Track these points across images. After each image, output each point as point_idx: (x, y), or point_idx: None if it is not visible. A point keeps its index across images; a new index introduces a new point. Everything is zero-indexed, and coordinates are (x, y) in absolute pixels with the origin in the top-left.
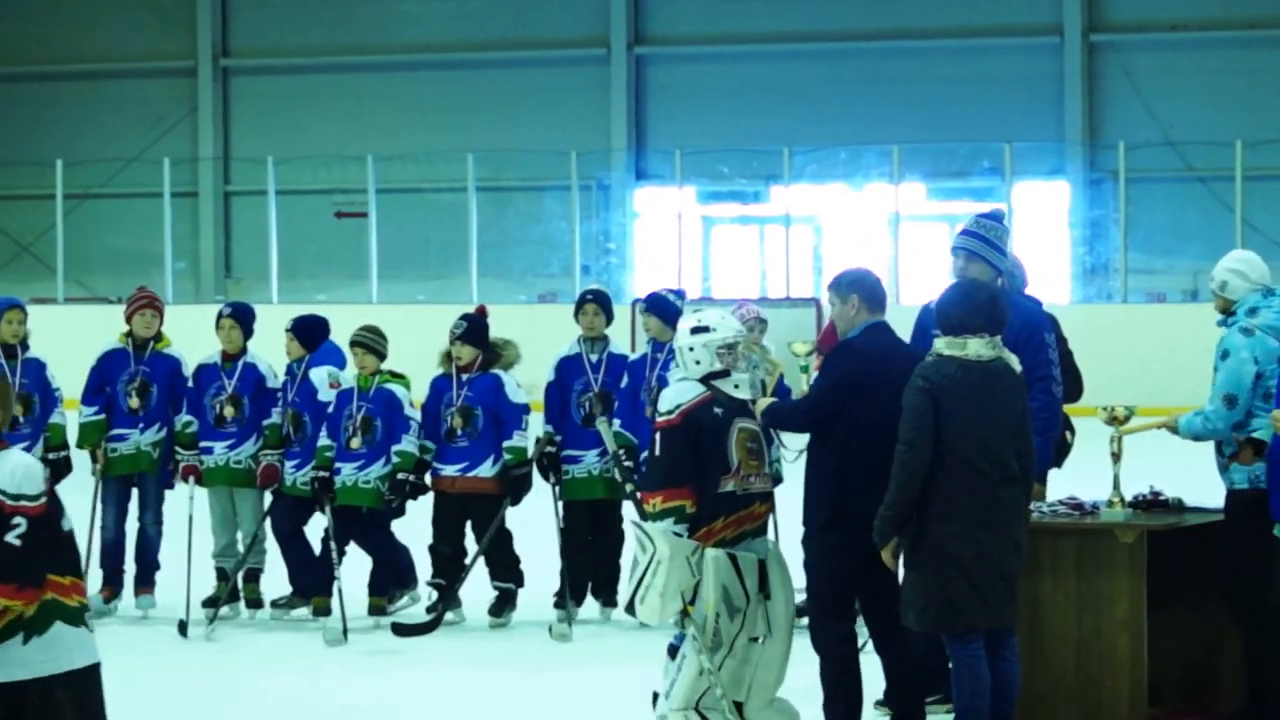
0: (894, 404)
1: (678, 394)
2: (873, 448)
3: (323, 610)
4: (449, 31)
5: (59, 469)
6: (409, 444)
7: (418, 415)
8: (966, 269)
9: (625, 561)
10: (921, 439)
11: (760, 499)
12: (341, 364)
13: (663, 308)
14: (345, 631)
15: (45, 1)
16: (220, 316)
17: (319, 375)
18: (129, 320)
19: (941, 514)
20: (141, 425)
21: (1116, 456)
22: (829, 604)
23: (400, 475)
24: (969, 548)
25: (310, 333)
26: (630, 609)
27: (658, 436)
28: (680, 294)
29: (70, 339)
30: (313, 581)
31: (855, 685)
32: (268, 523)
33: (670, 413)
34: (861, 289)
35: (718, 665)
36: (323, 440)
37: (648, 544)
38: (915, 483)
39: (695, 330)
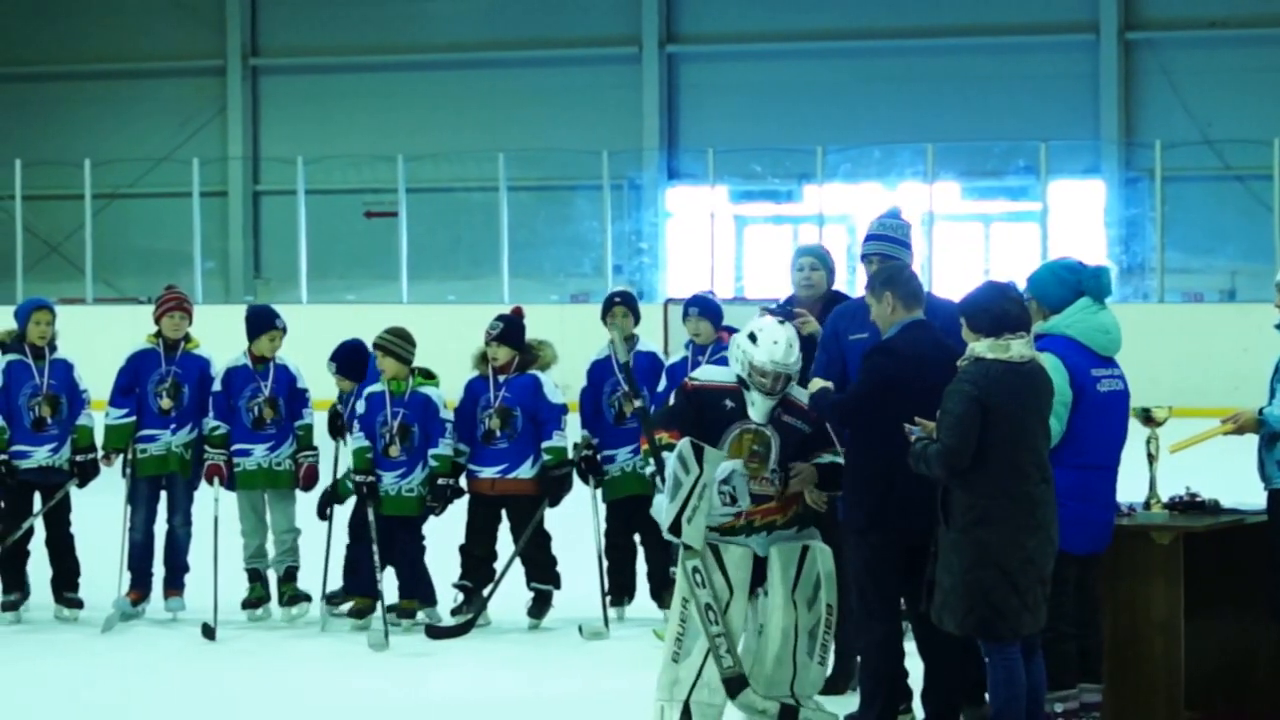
0: (933, 405)
1: (707, 372)
2: (904, 450)
3: (365, 613)
4: (479, 30)
5: (86, 471)
6: (445, 447)
7: (449, 415)
8: None
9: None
10: (965, 446)
11: (753, 500)
12: None
13: (714, 312)
14: (387, 635)
15: (73, 1)
16: (271, 328)
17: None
18: (158, 321)
19: (988, 519)
20: (173, 426)
21: (1153, 457)
22: (874, 604)
23: (440, 480)
24: (1016, 554)
25: (350, 360)
26: (675, 530)
27: (674, 393)
28: (710, 294)
29: (99, 340)
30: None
31: (895, 688)
32: (298, 521)
33: (695, 381)
34: (895, 286)
35: (701, 656)
36: (362, 441)
37: (692, 464)
38: (949, 478)
39: (749, 336)
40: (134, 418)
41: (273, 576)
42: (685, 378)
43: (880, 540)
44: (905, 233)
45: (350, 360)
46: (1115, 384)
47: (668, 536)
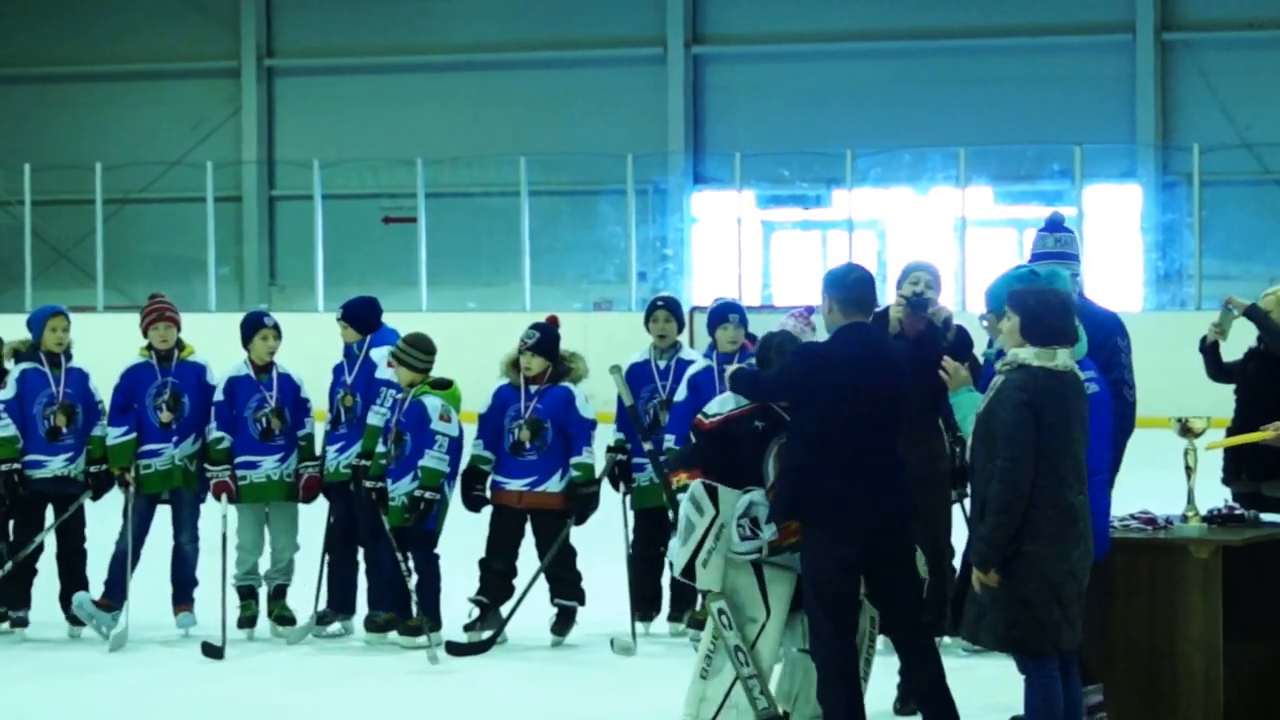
0: (858, 409)
1: (722, 403)
2: (828, 452)
3: (416, 630)
4: (500, 30)
5: (100, 482)
6: (431, 459)
7: (449, 428)
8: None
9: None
10: (1026, 454)
11: None
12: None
13: (746, 320)
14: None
15: (85, 1)
16: (260, 327)
17: (380, 354)
18: (145, 333)
19: (1033, 531)
20: (175, 439)
21: (1191, 470)
22: (816, 616)
23: (417, 492)
24: (1061, 566)
25: (361, 315)
26: (687, 574)
27: (697, 433)
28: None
29: (111, 348)
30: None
31: (854, 701)
32: (299, 537)
33: (712, 417)
34: (835, 290)
35: (730, 676)
36: (378, 448)
37: (706, 506)
38: (1021, 503)
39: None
40: (134, 434)
41: (262, 592)
42: (698, 415)
43: (824, 549)
44: (1071, 244)
45: (355, 311)
46: (1093, 387)
47: (680, 579)
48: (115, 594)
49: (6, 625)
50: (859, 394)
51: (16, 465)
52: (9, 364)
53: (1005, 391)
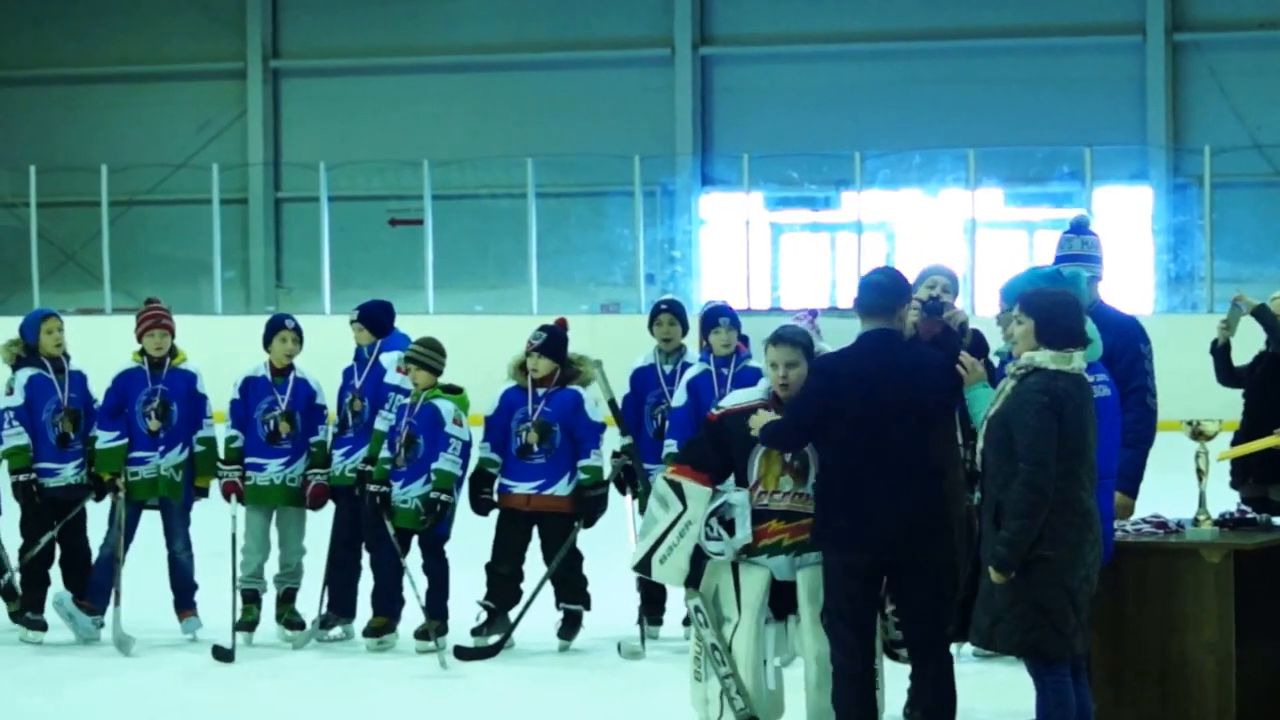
0: (869, 414)
1: (733, 398)
2: (854, 465)
3: (425, 634)
4: (507, 32)
5: (101, 484)
6: (446, 462)
7: (462, 432)
8: (1091, 294)
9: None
10: (1050, 457)
11: (780, 517)
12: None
13: (739, 322)
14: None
15: (90, 2)
16: (280, 329)
17: (390, 359)
18: (140, 339)
19: (1051, 536)
20: (163, 447)
21: (1202, 473)
22: (835, 622)
23: (433, 495)
24: (1078, 571)
25: (375, 319)
26: (642, 568)
27: (703, 426)
28: (725, 303)
29: (118, 351)
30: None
31: (866, 709)
32: (306, 541)
33: (720, 410)
34: (858, 296)
35: (716, 674)
36: (383, 453)
37: (673, 502)
38: (1045, 506)
39: None
40: (125, 440)
41: (270, 594)
42: (711, 408)
43: (838, 562)
44: (1096, 247)
45: (370, 315)
46: (1104, 390)
47: (634, 571)
48: (98, 598)
49: (23, 629)
50: (870, 399)
51: (32, 474)
52: (8, 369)
53: (1026, 395)
